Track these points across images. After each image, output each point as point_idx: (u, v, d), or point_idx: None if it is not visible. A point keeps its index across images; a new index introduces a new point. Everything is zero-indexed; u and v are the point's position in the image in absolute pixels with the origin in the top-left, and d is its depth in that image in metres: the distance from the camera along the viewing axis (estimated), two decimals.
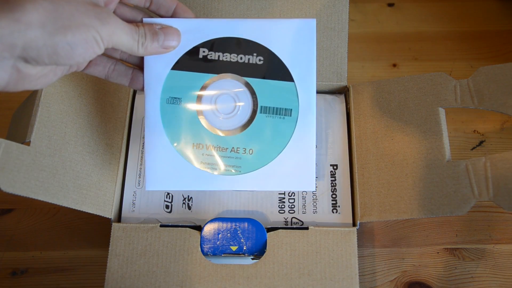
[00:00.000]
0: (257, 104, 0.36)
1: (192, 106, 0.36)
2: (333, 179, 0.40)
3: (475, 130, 0.46)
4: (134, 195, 0.40)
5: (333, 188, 0.40)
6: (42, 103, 0.34)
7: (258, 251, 0.37)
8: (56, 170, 0.34)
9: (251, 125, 0.36)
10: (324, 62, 0.42)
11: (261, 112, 0.36)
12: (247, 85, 0.36)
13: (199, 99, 0.36)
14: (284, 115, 0.36)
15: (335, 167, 0.40)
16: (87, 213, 0.36)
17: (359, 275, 0.36)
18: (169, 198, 0.40)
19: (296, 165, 0.36)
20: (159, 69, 0.35)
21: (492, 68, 0.35)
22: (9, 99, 0.47)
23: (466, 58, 0.50)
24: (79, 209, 0.35)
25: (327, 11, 0.42)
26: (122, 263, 0.36)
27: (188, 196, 0.40)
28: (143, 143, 0.41)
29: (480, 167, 0.32)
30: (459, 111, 0.47)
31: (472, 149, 0.45)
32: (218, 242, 0.37)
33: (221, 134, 0.36)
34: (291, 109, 0.36)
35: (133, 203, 0.39)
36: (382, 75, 0.49)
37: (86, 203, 0.36)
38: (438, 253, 0.41)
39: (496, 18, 0.52)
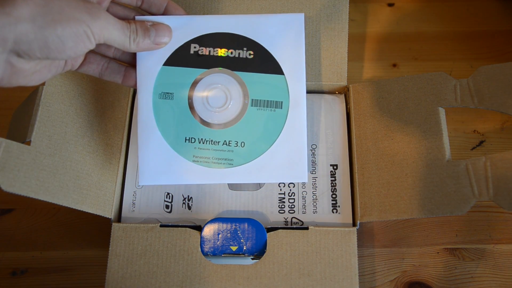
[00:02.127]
0: (248, 98, 0.37)
1: (184, 101, 0.37)
2: (333, 179, 0.40)
3: (475, 130, 0.46)
4: (134, 195, 0.40)
5: (333, 188, 0.40)
6: (43, 102, 0.35)
7: (258, 251, 0.37)
8: (57, 169, 0.34)
9: (242, 118, 0.37)
10: (324, 62, 0.42)
11: (252, 105, 0.37)
12: (238, 79, 0.36)
13: (190, 93, 0.37)
14: (275, 107, 0.37)
15: (335, 167, 0.40)
16: (87, 213, 0.36)
17: (359, 275, 0.36)
18: (169, 198, 0.40)
19: (288, 156, 0.37)
20: (151, 65, 0.36)
21: (492, 67, 0.35)
22: (9, 98, 0.47)
23: (466, 58, 0.50)
24: (79, 209, 0.35)
25: (327, 11, 0.42)
26: (122, 263, 0.36)
27: (188, 196, 0.40)
28: None
29: (480, 167, 0.32)
30: (459, 111, 0.47)
31: (472, 149, 0.45)
32: (218, 242, 0.37)
33: (213, 127, 0.37)
34: (281, 102, 0.37)
35: (133, 203, 0.39)
36: (382, 75, 0.49)
37: (86, 203, 0.36)
38: (438, 253, 0.41)
39: (496, 18, 0.52)
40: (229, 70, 0.37)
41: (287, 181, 0.39)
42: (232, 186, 0.40)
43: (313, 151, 0.41)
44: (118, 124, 0.41)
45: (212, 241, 0.37)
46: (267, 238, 0.37)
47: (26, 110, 0.36)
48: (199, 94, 0.37)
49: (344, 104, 0.42)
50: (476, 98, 0.35)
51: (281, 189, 0.40)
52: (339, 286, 0.35)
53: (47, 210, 0.43)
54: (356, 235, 0.36)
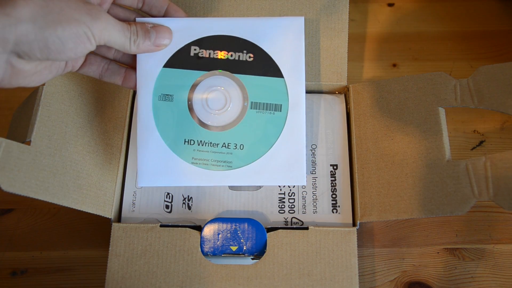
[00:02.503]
0: (247, 100, 0.37)
1: (184, 103, 0.37)
2: (333, 179, 0.40)
3: (475, 130, 0.46)
4: (134, 195, 0.40)
5: (333, 188, 0.40)
6: (43, 102, 0.35)
7: (258, 251, 0.37)
8: (56, 169, 0.34)
9: (241, 121, 0.37)
10: (324, 62, 0.42)
11: (251, 108, 0.37)
12: (238, 82, 0.37)
13: (190, 96, 0.37)
14: (274, 110, 0.37)
15: (335, 167, 0.40)
16: (87, 213, 0.36)
17: (359, 275, 0.36)
18: (169, 198, 0.40)
19: (287, 159, 0.37)
20: (151, 67, 0.36)
21: (492, 67, 0.35)
22: (9, 99, 0.47)
23: (466, 58, 0.50)
24: (79, 209, 0.35)
25: (327, 11, 0.42)
26: (122, 263, 0.36)
27: (188, 196, 0.40)
28: None
29: (480, 167, 0.32)
30: (459, 111, 0.47)
31: (472, 149, 0.45)
32: (218, 242, 0.37)
33: (212, 130, 0.37)
34: (281, 105, 0.37)
35: (133, 203, 0.39)
36: (382, 75, 0.49)
37: (86, 203, 0.36)
38: (438, 253, 0.41)
39: (496, 18, 0.52)
40: (229, 73, 0.37)
41: (285, 184, 0.39)
42: (232, 186, 0.40)
43: (313, 151, 0.41)
44: (118, 124, 0.41)
45: (212, 241, 0.37)
46: (267, 238, 0.37)
47: (26, 110, 0.36)
48: (199, 96, 0.37)
49: (344, 104, 0.42)
50: (476, 98, 0.35)
51: (281, 189, 0.40)
52: (339, 286, 0.35)
53: (47, 210, 0.43)
54: (356, 235, 0.36)
